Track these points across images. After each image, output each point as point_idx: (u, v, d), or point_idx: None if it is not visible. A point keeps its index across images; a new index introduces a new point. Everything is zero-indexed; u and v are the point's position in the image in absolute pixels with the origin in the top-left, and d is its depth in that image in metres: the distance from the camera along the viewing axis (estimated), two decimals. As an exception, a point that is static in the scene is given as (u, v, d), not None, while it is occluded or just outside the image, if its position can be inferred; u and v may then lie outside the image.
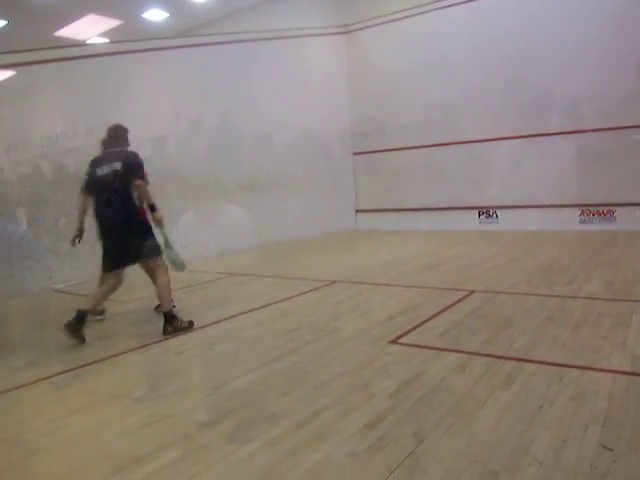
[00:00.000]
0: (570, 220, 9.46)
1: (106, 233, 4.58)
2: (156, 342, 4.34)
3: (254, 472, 2.23)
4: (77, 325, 4.32)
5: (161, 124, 8.87)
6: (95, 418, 2.94)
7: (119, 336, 4.70)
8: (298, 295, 5.70)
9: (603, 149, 9.06)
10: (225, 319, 4.89)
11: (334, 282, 6.22)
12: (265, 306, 5.28)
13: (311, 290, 5.90)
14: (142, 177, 4.51)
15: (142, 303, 5.87)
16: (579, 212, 9.46)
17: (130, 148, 4.77)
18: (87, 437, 2.71)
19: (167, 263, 4.68)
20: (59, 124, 8.06)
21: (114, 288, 4.72)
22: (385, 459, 2.24)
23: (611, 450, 2.17)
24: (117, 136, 4.78)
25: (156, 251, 4.60)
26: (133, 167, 4.52)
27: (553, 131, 9.53)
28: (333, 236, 10.99)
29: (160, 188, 8.52)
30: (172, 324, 4.52)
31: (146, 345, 4.29)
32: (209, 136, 9.58)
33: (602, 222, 9.21)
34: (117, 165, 4.51)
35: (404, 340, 3.88)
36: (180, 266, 4.73)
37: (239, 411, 2.85)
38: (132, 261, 4.67)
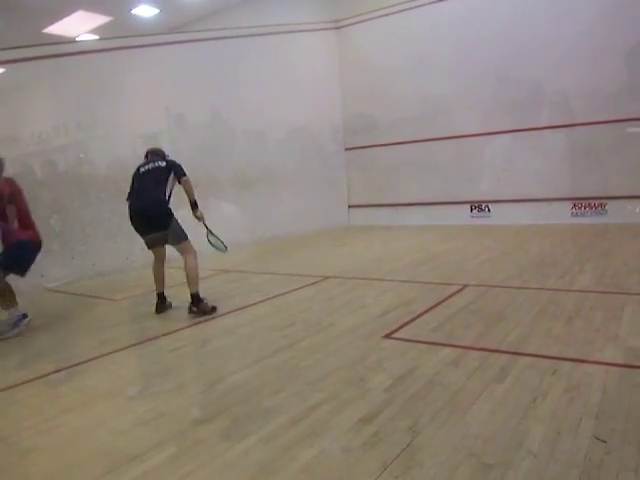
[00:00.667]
0: (562, 214, 9.51)
1: (136, 217, 5.01)
2: (150, 339, 4.33)
3: (249, 468, 2.23)
4: (162, 303, 5.17)
5: (152, 121, 8.83)
6: (89, 416, 2.93)
7: (112, 334, 4.67)
8: (292, 291, 5.70)
9: (594, 143, 9.12)
10: (219, 316, 4.88)
11: (327, 278, 6.22)
12: (259, 302, 5.28)
13: (305, 286, 5.90)
14: (185, 175, 5.05)
15: (134, 301, 5.86)
16: (571, 206, 9.50)
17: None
18: (82, 435, 2.70)
19: (211, 245, 5.25)
20: (49, 121, 8.01)
21: (161, 259, 5.22)
22: (380, 454, 2.24)
23: (604, 442, 2.18)
24: (157, 152, 5.38)
25: (182, 236, 4.99)
26: (177, 167, 5.08)
27: (545, 125, 9.57)
28: (326, 232, 10.98)
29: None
30: (197, 305, 4.89)
31: (140, 342, 4.28)
32: (200, 132, 9.55)
33: (594, 215, 9.26)
34: (161, 163, 5.13)
35: (398, 335, 3.89)
36: (221, 248, 5.27)
37: (234, 407, 2.85)
38: (165, 243, 5.11)
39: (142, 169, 5.17)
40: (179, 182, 5.03)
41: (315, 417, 2.64)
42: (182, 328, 4.58)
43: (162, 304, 5.20)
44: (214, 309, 4.95)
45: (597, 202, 9.25)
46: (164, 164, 5.11)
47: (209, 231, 5.24)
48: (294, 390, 3.01)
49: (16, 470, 2.44)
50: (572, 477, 1.97)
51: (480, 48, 10.04)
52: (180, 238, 4.99)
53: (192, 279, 4.92)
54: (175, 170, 5.04)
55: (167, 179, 5.01)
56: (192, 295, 4.91)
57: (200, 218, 5.10)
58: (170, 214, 4.97)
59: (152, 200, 4.97)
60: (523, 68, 9.63)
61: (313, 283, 6.02)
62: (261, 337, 4.16)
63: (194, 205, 5.05)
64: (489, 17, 9.96)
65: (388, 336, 3.86)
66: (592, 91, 9.01)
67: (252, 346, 3.95)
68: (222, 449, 2.41)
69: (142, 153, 8.63)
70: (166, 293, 5.26)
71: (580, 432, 2.28)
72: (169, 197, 5.03)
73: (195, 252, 5.04)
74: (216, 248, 5.28)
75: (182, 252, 5.01)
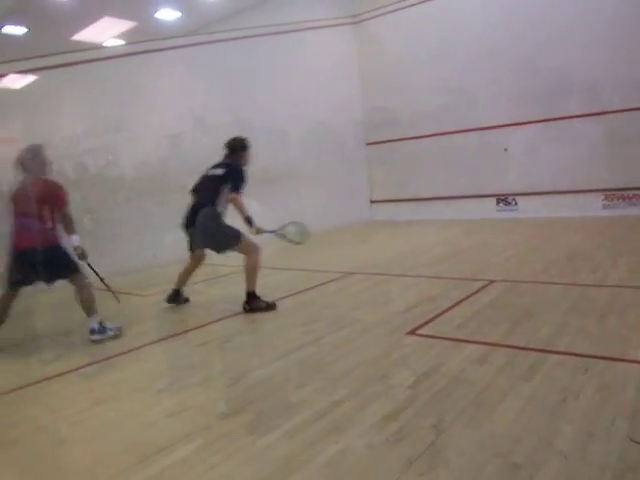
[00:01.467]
0: (593, 206, 9.26)
1: (186, 221, 5.01)
2: (178, 334, 4.39)
3: (273, 462, 2.24)
4: (174, 297, 5.34)
5: (175, 122, 8.97)
6: (120, 409, 2.99)
7: (141, 328, 4.74)
8: (315, 287, 5.70)
9: (627, 131, 8.84)
10: (244, 312, 4.89)
11: (351, 274, 6.20)
12: (282, 298, 5.28)
13: (328, 282, 5.89)
14: (238, 190, 4.80)
15: (162, 296, 5.90)
16: (602, 197, 9.24)
17: (244, 164, 5.10)
18: (113, 427, 2.76)
19: (292, 238, 5.16)
20: (79, 125, 8.21)
21: (194, 262, 5.30)
22: (404, 451, 2.22)
23: (639, 444, 2.12)
24: (231, 148, 5.12)
25: (232, 240, 4.80)
26: (236, 180, 4.83)
27: (573, 114, 9.32)
28: (348, 227, 10.96)
29: (177, 185, 8.61)
30: (251, 303, 4.84)
31: (168, 337, 4.34)
32: (222, 131, 9.59)
33: (627, 207, 8.98)
34: (220, 171, 4.92)
35: (422, 331, 3.85)
36: (303, 237, 5.23)
37: (259, 402, 2.87)
38: (213, 248, 5.00)
39: (205, 173, 5.09)
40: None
41: (339, 413, 2.64)
42: (209, 323, 4.62)
43: (174, 298, 5.35)
44: (270, 306, 4.86)
45: (631, 193, 8.98)
46: (222, 173, 4.89)
47: (278, 231, 5.11)
48: (318, 385, 3.01)
49: (51, 459, 2.51)
50: (604, 479, 1.92)
51: (503, 37, 9.86)
52: (229, 243, 4.81)
53: (248, 277, 4.83)
54: (232, 184, 4.80)
55: (221, 189, 4.81)
56: (247, 293, 4.85)
57: (259, 232, 4.85)
58: (211, 220, 4.79)
59: (198, 204, 4.90)
60: (549, 56, 9.40)
61: (336, 279, 6.00)
62: (285, 333, 4.16)
63: (248, 220, 4.77)
64: (511, 5, 9.78)
65: (412, 332, 3.83)
66: (622, 78, 8.75)
67: (276, 341, 3.95)
68: (247, 442, 2.43)
69: (166, 155, 8.88)
70: (193, 288, 5.31)
71: (613, 433, 2.22)
72: (220, 205, 4.85)
73: (256, 250, 4.85)
74: (298, 237, 5.18)
75: (242, 254, 4.85)
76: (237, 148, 5.08)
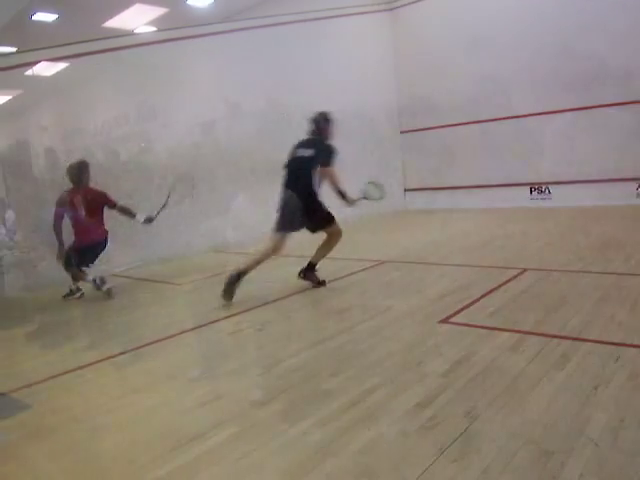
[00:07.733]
0: (627, 195, 9.05)
1: (283, 201, 5.08)
2: (210, 323, 4.46)
3: (307, 449, 2.28)
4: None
5: (209, 109, 9.01)
6: (154, 397, 3.06)
7: (175, 317, 4.85)
8: (348, 275, 5.72)
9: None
10: (276, 300, 4.96)
11: (384, 262, 6.21)
12: (316, 286, 5.33)
13: (361, 270, 5.91)
14: (330, 165, 4.97)
15: (196, 285, 6.03)
16: (636, 186, 9.04)
17: (328, 140, 5.27)
18: (147, 415, 2.83)
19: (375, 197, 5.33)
20: (110, 112, 8.31)
21: (276, 249, 5.13)
22: (437, 438, 2.24)
23: (672, 431, 2.10)
24: (316, 122, 5.38)
25: (329, 222, 5.13)
26: (324, 155, 5.00)
27: (608, 102, 9.07)
28: (382, 216, 10.90)
29: (210, 172, 8.66)
30: (307, 272, 5.25)
31: (201, 326, 4.42)
32: (257, 119, 9.65)
33: (662, 196, 8.76)
34: (309, 152, 5.06)
35: (455, 319, 3.85)
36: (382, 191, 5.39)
37: (291, 390, 2.91)
38: (308, 228, 5.19)
39: (295, 152, 5.20)
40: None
41: (372, 400, 2.67)
42: (241, 312, 4.69)
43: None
44: (321, 283, 5.25)
45: (666, 182, 8.74)
46: (312, 154, 5.05)
47: (365, 195, 5.26)
48: (351, 373, 3.05)
49: (87, 446, 2.59)
50: (636, 467, 1.92)
51: (538, 24, 9.61)
52: (323, 225, 5.14)
53: (319, 251, 5.23)
54: (322, 160, 5.00)
55: (313, 170, 4.99)
56: (309, 263, 5.26)
57: (353, 203, 5.09)
58: (311, 202, 5.00)
59: (293, 186, 5.05)
60: (585, 43, 9.14)
61: (370, 267, 6.02)
62: (318, 321, 4.22)
63: (341, 195, 5.02)
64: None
65: (445, 320, 3.83)
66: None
67: (309, 329, 4.01)
68: (281, 430, 2.47)
69: (199, 140, 8.88)
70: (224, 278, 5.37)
71: (646, 421, 2.20)
72: (315, 185, 5.03)
73: (340, 234, 5.19)
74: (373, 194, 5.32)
75: (328, 234, 5.21)
76: (321, 122, 5.33)
